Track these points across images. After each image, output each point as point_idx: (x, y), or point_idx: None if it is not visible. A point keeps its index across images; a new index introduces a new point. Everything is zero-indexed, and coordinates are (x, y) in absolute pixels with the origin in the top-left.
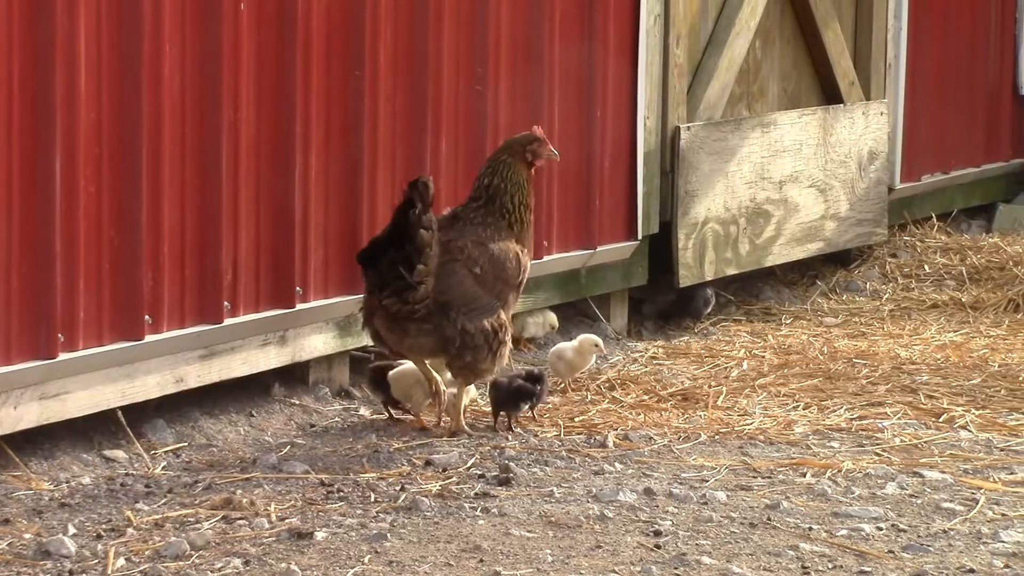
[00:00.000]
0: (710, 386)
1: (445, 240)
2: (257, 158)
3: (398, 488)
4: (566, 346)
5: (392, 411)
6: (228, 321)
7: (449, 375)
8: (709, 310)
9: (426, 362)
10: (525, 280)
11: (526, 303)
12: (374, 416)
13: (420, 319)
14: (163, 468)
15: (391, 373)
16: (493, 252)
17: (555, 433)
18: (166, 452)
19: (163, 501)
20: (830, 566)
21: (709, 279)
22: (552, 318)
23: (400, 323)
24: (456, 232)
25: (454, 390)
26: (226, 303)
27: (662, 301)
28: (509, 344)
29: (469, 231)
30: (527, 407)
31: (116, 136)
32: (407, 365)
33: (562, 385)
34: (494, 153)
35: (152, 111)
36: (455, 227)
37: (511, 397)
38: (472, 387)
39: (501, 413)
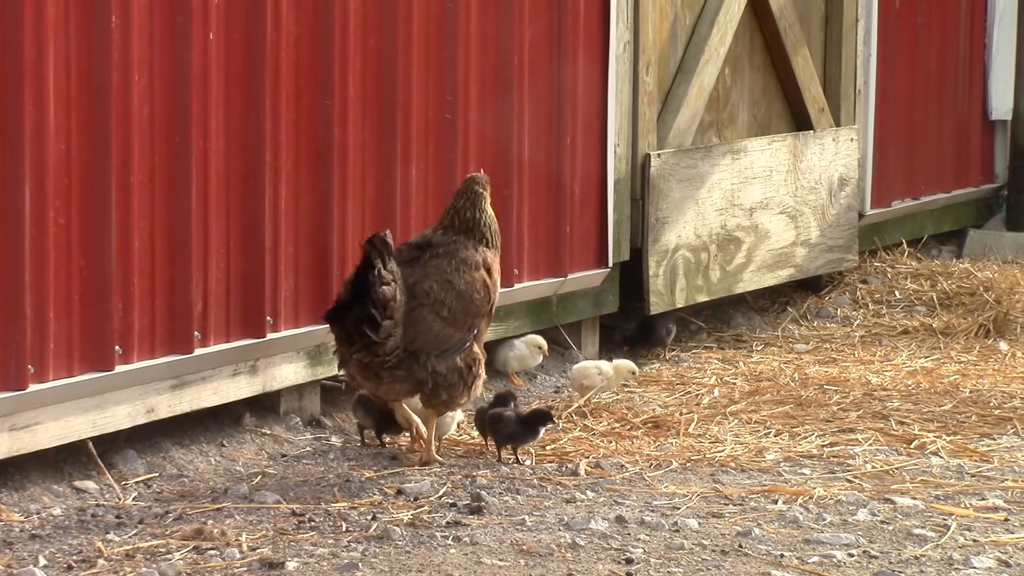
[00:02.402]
0: (681, 413)
1: (411, 283)
2: (227, 187)
3: (370, 517)
4: (600, 363)
5: (381, 438)
6: (199, 351)
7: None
8: (671, 339)
9: (403, 403)
10: (496, 301)
11: (497, 331)
12: (345, 445)
13: (391, 367)
14: (134, 499)
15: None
16: (460, 288)
17: (527, 461)
18: (137, 483)
19: (134, 532)
20: None
21: (680, 306)
22: (539, 340)
23: (373, 371)
24: (421, 270)
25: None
26: (196, 333)
27: (626, 330)
28: (483, 374)
29: (433, 267)
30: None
31: (85, 166)
32: None
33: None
34: (466, 186)
35: (121, 141)
36: (421, 260)
37: (526, 427)
38: (459, 411)
39: (507, 446)
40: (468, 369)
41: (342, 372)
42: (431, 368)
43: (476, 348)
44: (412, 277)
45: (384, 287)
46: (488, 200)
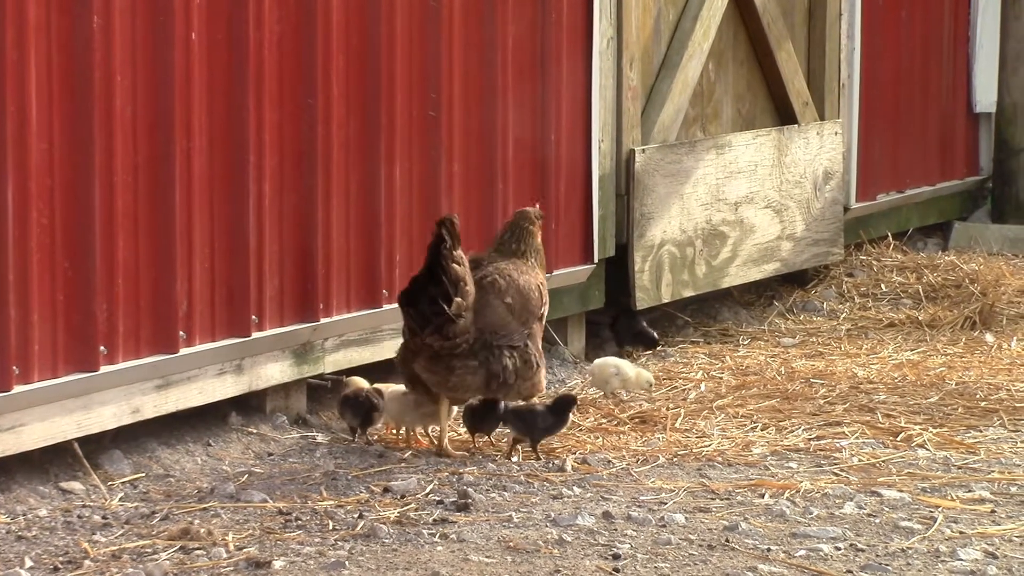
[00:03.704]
0: (668, 408)
1: (477, 278)
2: (211, 187)
3: (356, 515)
4: (622, 363)
5: (367, 436)
6: (184, 351)
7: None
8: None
9: (445, 410)
10: (546, 315)
11: None
12: (332, 443)
13: (464, 355)
14: (120, 499)
15: (388, 392)
16: (520, 284)
17: (514, 458)
18: (123, 483)
19: (120, 532)
20: None
21: (666, 301)
22: None
23: (444, 361)
24: (484, 270)
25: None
26: (182, 333)
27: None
28: (543, 370)
29: (494, 267)
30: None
31: (68, 167)
32: (399, 386)
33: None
34: (516, 220)
35: (104, 142)
36: (482, 265)
37: (558, 415)
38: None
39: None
40: (528, 366)
41: (401, 374)
42: (504, 362)
43: (533, 347)
44: (477, 274)
45: (455, 265)
46: (538, 235)
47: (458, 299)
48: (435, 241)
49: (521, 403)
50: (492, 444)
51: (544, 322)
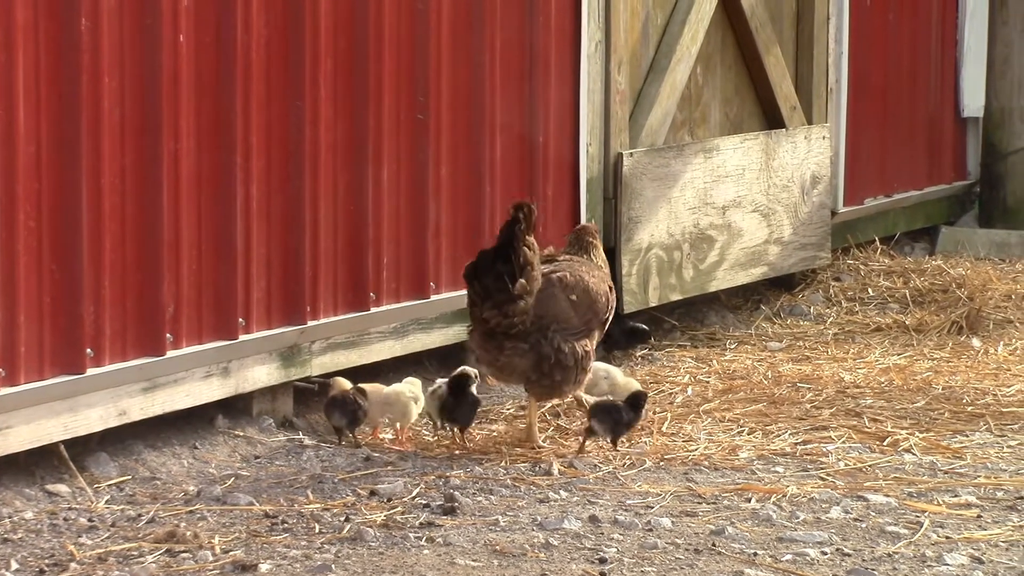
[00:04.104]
0: (655, 412)
1: (546, 272)
2: (198, 189)
3: (343, 519)
4: (612, 368)
5: (355, 436)
6: (171, 353)
7: None
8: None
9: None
10: (609, 320)
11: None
12: (319, 446)
13: (517, 336)
14: (106, 502)
15: (387, 389)
16: (588, 284)
17: (500, 461)
18: (109, 486)
19: (106, 535)
20: None
21: (654, 305)
22: None
23: (496, 339)
24: (555, 264)
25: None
26: (168, 335)
27: None
28: (590, 372)
29: (567, 264)
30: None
31: (56, 169)
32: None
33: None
34: (576, 235)
35: (92, 144)
36: (554, 262)
37: (635, 409)
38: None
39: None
40: (581, 359)
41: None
42: (556, 345)
43: (589, 346)
44: (548, 267)
45: (526, 248)
46: (600, 248)
47: (522, 280)
48: (510, 221)
49: (605, 399)
50: (459, 441)
51: (605, 329)
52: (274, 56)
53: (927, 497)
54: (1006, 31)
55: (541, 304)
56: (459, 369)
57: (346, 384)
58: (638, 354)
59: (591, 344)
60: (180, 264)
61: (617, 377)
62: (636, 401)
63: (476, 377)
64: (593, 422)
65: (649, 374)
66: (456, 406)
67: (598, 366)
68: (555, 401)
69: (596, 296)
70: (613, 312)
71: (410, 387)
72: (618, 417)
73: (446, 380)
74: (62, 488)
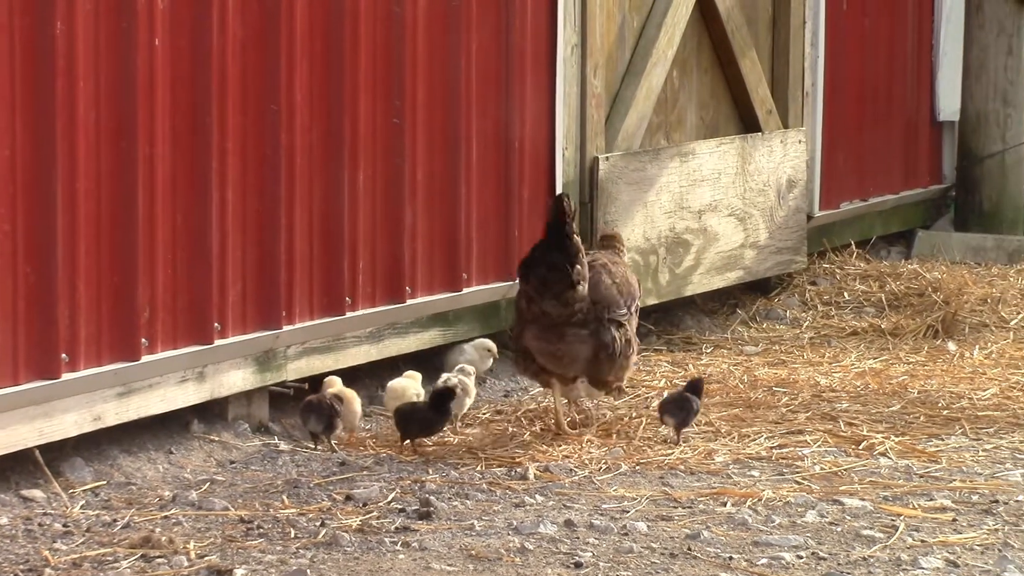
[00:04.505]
0: (631, 416)
1: (589, 260)
2: (174, 193)
3: (318, 524)
4: None
5: (330, 441)
6: (146, 358)
7: None
8: None
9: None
10: (637, 310)
11: (446, 335)
12: (294, 451)
13: (577, 324)
14: (81, 507)
15: (391, 383)
16: (624, 272)
17: (476, 466)
18: (84, 491)
19: (81, 540)
20: None
21: None
22: (488, 343)
23: (556, 330)
24: (591, 257)
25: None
26: (144, 340)
27: None
28: (636, 360)
29: (600, 255)
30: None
31: (31, 173)
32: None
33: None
34: (604, 244)
35: (67, 148)
36: (588, 255)
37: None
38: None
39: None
40: (631, 345)
41: (515, 358)
42: (613, 331)
43: (633, 331)
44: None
45: (576, 236)
46: (624, 253)
47: (579, 266)
48: (556, 214)
49: (675, 392)
50: (411, 448)
51: (636, 316)
52: (250, 60)
53: (902, 501)
54: (982, 35)
55: (594, 290)
56: (441, 384)
57: (338, 383)
58: None
59: (633, 329)
60: (155, 268)
61: None
62: (695, 388)
63: (458, 392)
64: (665, 417)
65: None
66: (433, 421)
67: None
68: (601, 395)
69: (631, 282)
70: (639, 301)
71: (413, 381)
72: (689, 408)
73: (451, 375)
74: (37, 493)
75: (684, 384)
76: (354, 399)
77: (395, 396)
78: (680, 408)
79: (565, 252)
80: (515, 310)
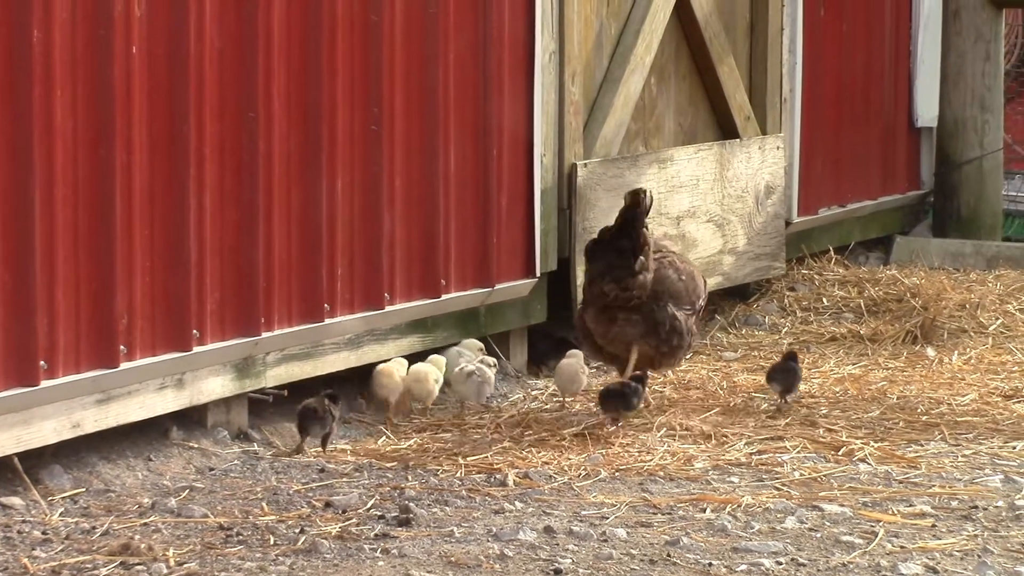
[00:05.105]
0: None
1: (657, 257)
2: (151, 201)
3: (297, 531)
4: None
5: (325, 445)
6: (125, 365)
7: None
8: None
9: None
10: (702, 309)
11: (425, 342)
12: (274, 458)
13: (631, 309)
14: (60, 514)
15: (415, 367)
16: (692, 270)
17: (456, 472)
18: (63, 498)
19: (60, 548)
20: None
21: None
22: (476, 343)
23: (610, 312)
24: (662, 254)
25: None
26: (122, 347)
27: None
28: (690, 350)
29: (672, 253)
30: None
31: (8, 181)
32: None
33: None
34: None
35: (44, 155)
36: (659, 252)
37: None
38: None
39: None
40: (690, 331)
41: (577, 335)
42: (671, 311)
43: (695, 325)
44: (656, 256)
45: (645, 230)
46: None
47: (642, 257)
48: (631, 204)
49: (778, 362)
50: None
51: (699, 317)
52: (227, 67)
53: (882, 507)
54: (959, 42)
55: (658, 282)
56: (458, 370)
57: (395, 369)
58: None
59: (695, 324)
60: (134, 276)
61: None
62: (795, 357)
63: (478, 380)
64: (772, 384)
65: (604, 384)
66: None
67: (574, 362)
68: (663, 371)
69: (697, 281)
70: (704, 300)
71: (435, 366)
72: (793, 374)
73: (480, 359)
74: (16, 501)
75: (784, 355)
76: (428, 376)
77: (417, 379)
78: (786, 375)
79: (633, 240)
80: (581, 292)
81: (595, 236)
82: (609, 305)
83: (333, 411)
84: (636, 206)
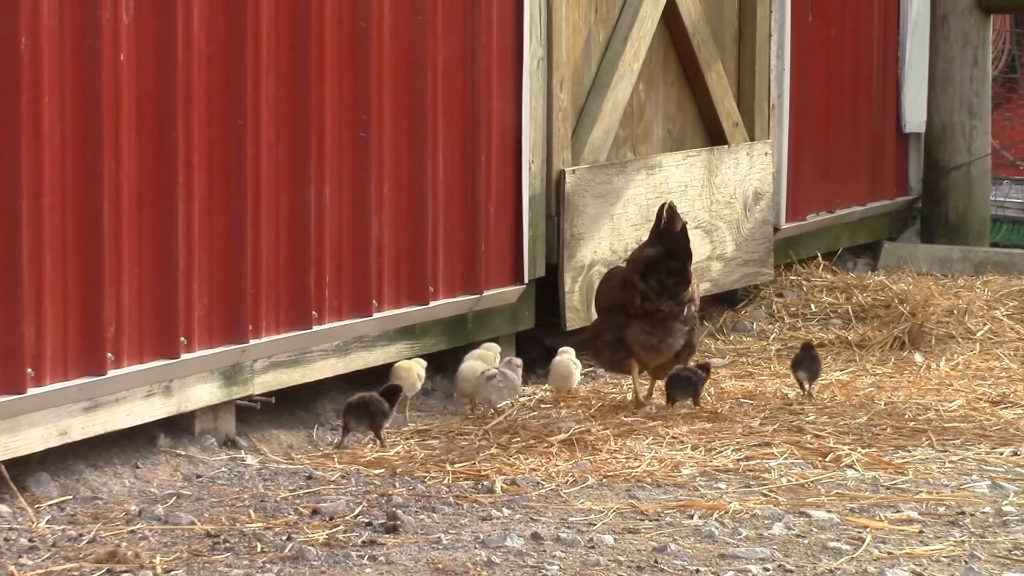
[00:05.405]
0: (598, 429)
1: None
2: (140, 208)
3: (285, 538)
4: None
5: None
6: (112, 372)
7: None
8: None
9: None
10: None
11: (413, 349)
12: (261, 466)
13: (680, 320)
14: (47, 522)
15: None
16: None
17: (443, 479)
18: (50, 505)
19: (47, 555)
20: None
21: None
22: (495, 347)
23: (665, 324)
24: None
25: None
26: (110, 354)
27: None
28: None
29: None
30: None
31: None
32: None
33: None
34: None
35: (32, 163)
36: None
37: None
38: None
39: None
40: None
41: (609, 352)
42: (697, 331)
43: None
44: None
45: (689, 244)
46: None
47: (691, 272)
48: (680, 225)
49: (801, 353)
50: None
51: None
52: (216, 74)
53: (869, 513)
54: (947, 47)
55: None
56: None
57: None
58: (583, 371)
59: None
60: (121, 283)
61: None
62: (812, 345)
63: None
64: (798, 373)
65: (592, 391)
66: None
67: (569, 358)
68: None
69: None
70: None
71: (480, 362)
72: (817, 362)
73: (507, 360)
74: (3, 508)
75: (802, 346)
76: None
77: (464, 378)
78: (811, 363)
79: (682, 260)
80: (610, 305)
81: (646, 255)
82: (664, 319)
83: (384, 408)
84: (680, 221)
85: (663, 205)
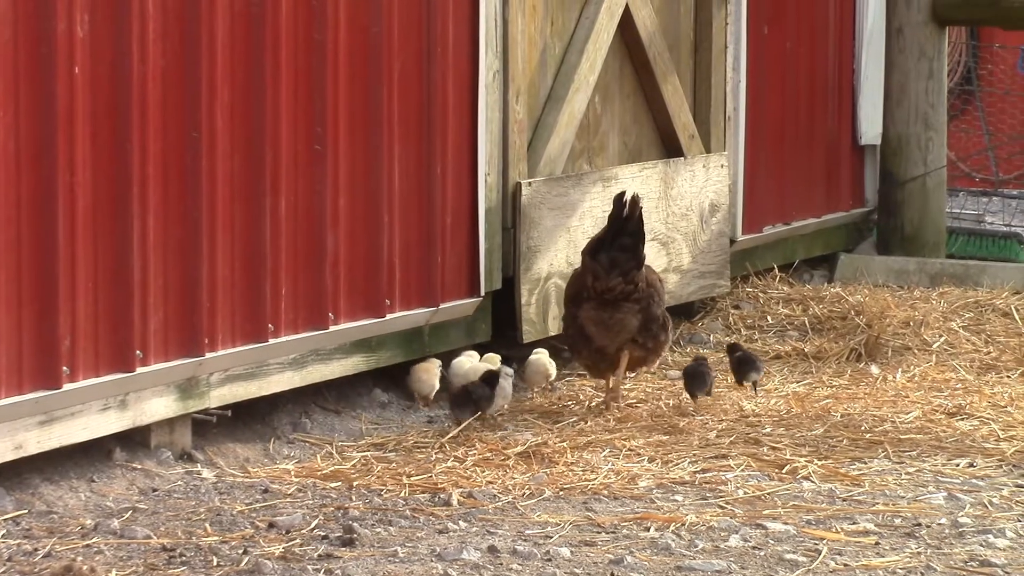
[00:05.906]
0: (555, 442)
1: None
2: (94, 221)
3: (241, 551)
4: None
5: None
6: (67, 386)
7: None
8: None
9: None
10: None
11: (369, 362)
12: (217, 479)
13: (633, 299)
14: (2, 536)
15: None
16: (659, 275)
17: (399, 492)
18: (5, 520)
19: (2, 570)
20: None
21: (553, 334)
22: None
23: (613, 303)
24: None
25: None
26: (65, 368)
27: None
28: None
29: None
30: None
31: None
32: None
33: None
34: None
35: None
36: None
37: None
38: None
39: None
40: (665, 329)
41: (571, 350)
42: (661, 309)
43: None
44: None
45: (644, 226)
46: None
47: (643, 249)
48: (630, 207)
49: (736, 356)
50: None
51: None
52: (170, 87)
53: (825, 525)
54: (903, 59)
55: (648, 283)
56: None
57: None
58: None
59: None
60: (77, 296)
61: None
62: (739, 346)
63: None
64: (750, 373)
65: (549, 403)
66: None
67: (542, 357)
68: (650, 369)
69: (663, 285)
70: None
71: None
72: (756, 362)
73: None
74: None
75: (729, 348)
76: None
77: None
78: (753, 363)
79: (634, 237)
80: (572, 293)
81: (598, 236)
82: (615, 298)
83: (487, 393)
84: (635, 205)
85: (622, 192)
